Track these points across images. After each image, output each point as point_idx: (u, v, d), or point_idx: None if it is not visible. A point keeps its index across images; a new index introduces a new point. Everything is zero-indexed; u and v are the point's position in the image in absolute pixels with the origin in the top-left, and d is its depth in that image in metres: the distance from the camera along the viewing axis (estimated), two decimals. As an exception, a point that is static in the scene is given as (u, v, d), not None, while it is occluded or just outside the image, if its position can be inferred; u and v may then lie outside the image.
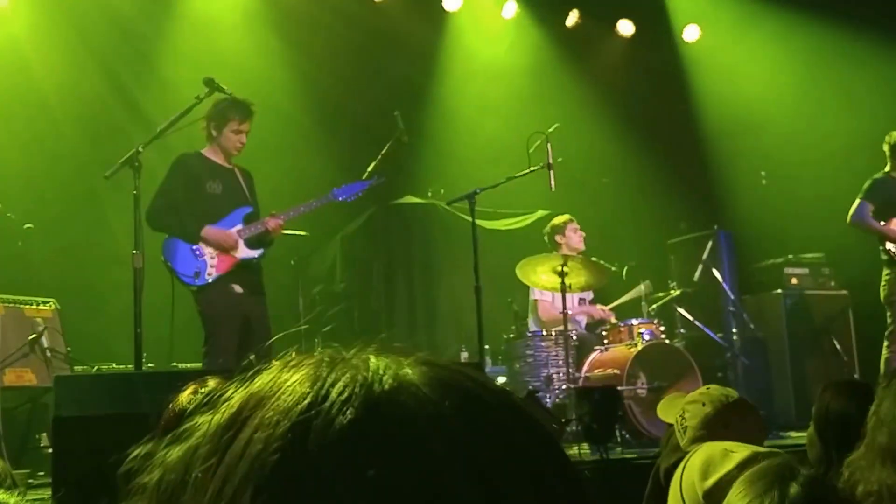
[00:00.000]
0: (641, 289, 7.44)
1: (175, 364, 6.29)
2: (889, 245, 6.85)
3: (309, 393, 0.57)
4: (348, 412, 0.55)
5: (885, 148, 6.98)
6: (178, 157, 5.70)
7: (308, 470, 0.54)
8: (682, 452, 2.85)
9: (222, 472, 0.56)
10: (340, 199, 5.98)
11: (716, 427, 2.58)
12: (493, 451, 0.56)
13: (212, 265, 5.58)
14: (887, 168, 7.00)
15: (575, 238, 7.48)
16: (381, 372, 0.59)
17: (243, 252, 5.69)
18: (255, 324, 5.64)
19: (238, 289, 5.65)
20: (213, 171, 5.70)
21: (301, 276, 7.79)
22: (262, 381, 0.60)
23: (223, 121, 5.60)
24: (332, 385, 0.57)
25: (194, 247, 5.57)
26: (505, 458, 0.57)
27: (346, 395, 0.57)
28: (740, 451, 1.93)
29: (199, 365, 5.83)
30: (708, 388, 2.91)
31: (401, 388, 0.58)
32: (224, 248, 5.62)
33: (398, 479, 0.54)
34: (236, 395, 0.60)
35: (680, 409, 2.83)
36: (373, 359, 0.61)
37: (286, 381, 0.59)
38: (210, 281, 5.56)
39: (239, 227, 5.71)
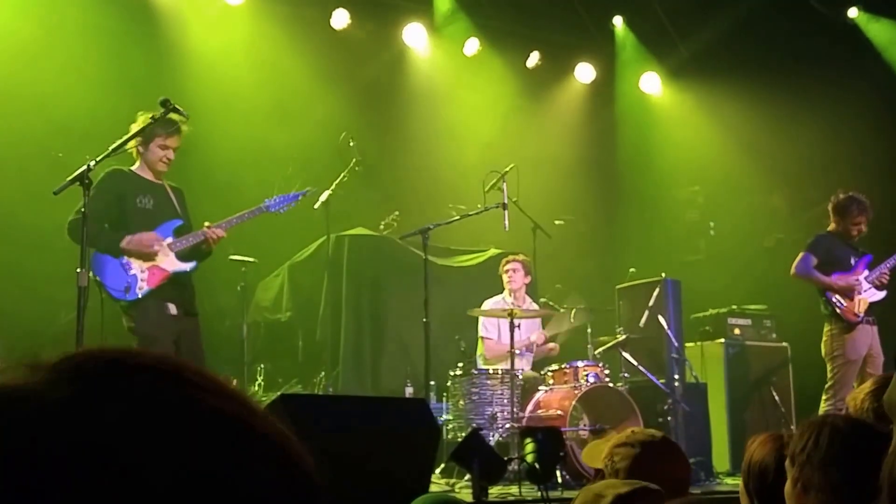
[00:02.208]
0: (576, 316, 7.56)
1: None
2: (833, 297, 6.99)
3: None
4: None
5: (830, 207, 7.20)
6: (108, 171, 5.55)
7: None
8: None
9: None
10: (273, 210, 5.91)
11: (645, 468, 2.61)
12: None
13: (142, 279, 5.46)
14: (831, 227, 7.20)
15: (511, 278, 7.57)
16: None
17: (174, 264, 5.58)
18: (183, 345, 5.53)
19: (173, 309, 5.55)
20: (143, 186, 5.63)
21: (247, 302, 7.70)
22: None
23: (149, 136, 5.53)
24: None
25: (123, 261, 5.46)
26: None
27: None
28: (608, 493, 1.93)
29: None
30: (633, 431, 2.94)
31: None
32: (146, 252, 5.49)
33: None
34: None
35: (607, 452, 2.85)
36: None
37: None
38: (141, 296, 5.45)
39: (170, 239, 5.62)
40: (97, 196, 5.36)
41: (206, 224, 5.66)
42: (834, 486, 2.01)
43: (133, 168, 5.68)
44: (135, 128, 5.44)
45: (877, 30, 9.16)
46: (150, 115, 5.34)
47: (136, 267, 5.48)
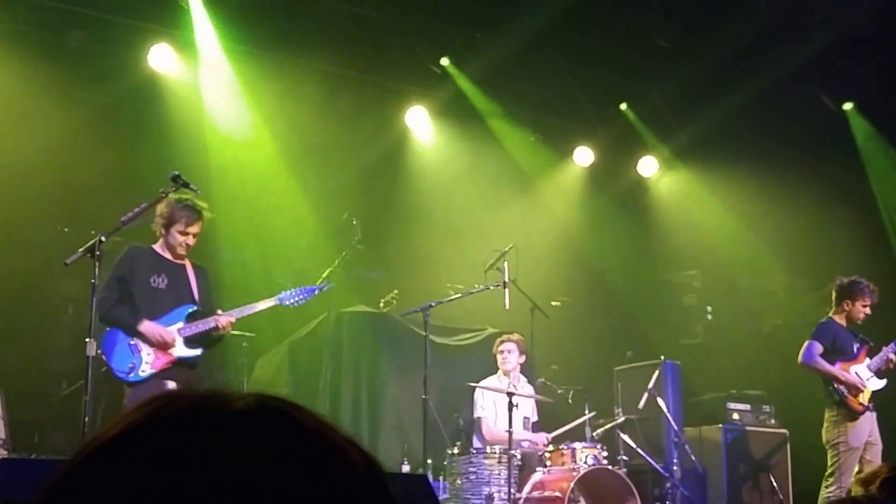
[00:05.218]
0: (586, 414, 7.49)
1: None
2: (839, 386, 6.97)
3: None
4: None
5: (834, 291, 7.20)
6: (127, 249, 5.70)
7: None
8: None
9: None
10: (286, 303, 5.94)
11: None
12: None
13: (147, 361, 5.52)
14: (832, 313, 7.21)
15: (504, 359, 7.55)
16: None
17: (181, 350, 5.63)
18: None
19: (171, 385, 5.53)
20: (160, 265, 5.70)
21: (248, 377, 7.70)
22: None
23: (170, 221, 5.64)
24: None
25: (132, 341, 5.51)
26: None
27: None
28: None
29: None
30: None
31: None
32: (160, 346, 5.56)
33: None
34: None
35: None
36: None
37: None
38: (143, 378, 5.49)
39: (180, 324, 5.66)
40: (114, 271, 5.52)
41: (219, 311, 5.72)
42: None
43: (154, 246, 5.77)
44: (159, 209, 5.57)
45: (858, 125, 9.36)
46: (162, 191, 5.40)
47: (145, 349, 5.54)
